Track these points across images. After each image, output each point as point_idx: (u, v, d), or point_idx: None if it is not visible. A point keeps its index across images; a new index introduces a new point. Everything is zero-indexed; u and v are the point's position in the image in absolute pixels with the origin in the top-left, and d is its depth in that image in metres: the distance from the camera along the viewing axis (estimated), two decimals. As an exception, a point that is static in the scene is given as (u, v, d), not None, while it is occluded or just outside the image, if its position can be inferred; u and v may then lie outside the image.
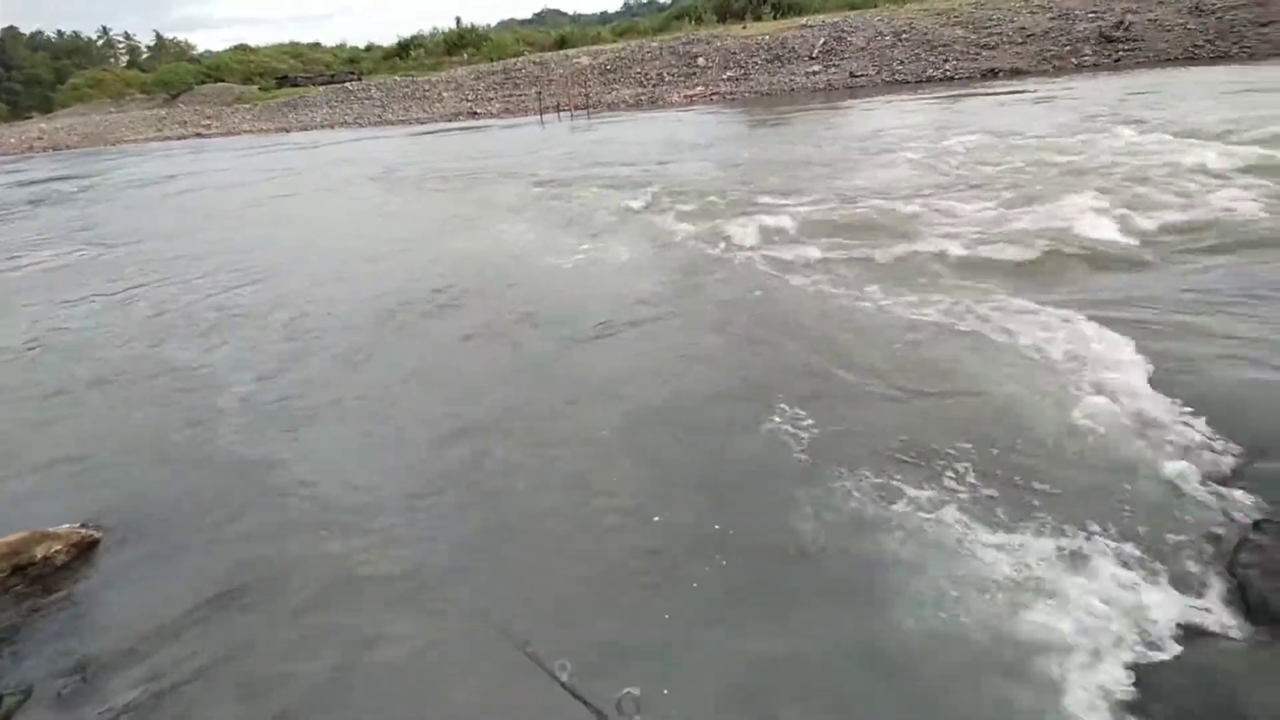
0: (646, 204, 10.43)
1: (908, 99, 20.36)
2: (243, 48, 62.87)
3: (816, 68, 27.49)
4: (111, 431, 5.15)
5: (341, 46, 61.30)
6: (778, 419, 4.32)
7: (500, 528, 3.68)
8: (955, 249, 6.91)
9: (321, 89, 43.20)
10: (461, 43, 47.43)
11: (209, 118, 43.48)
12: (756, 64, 29.13)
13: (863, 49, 27.73)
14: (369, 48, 59.74)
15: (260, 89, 49.61)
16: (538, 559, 3.45)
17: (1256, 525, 2.98)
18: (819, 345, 5.28)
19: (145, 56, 64.44)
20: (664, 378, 5.07)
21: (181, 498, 4.23)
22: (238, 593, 3.41)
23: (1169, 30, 22.91)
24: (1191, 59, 21.26)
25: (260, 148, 28.18)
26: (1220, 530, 3.08)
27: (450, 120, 31.10)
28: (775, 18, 34.87)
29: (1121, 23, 23.61)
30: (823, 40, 28.77)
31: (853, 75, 26.12)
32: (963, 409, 4.24)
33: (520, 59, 38.47)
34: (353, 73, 48.71)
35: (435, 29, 51.81)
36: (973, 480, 3.58)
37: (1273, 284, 5.44)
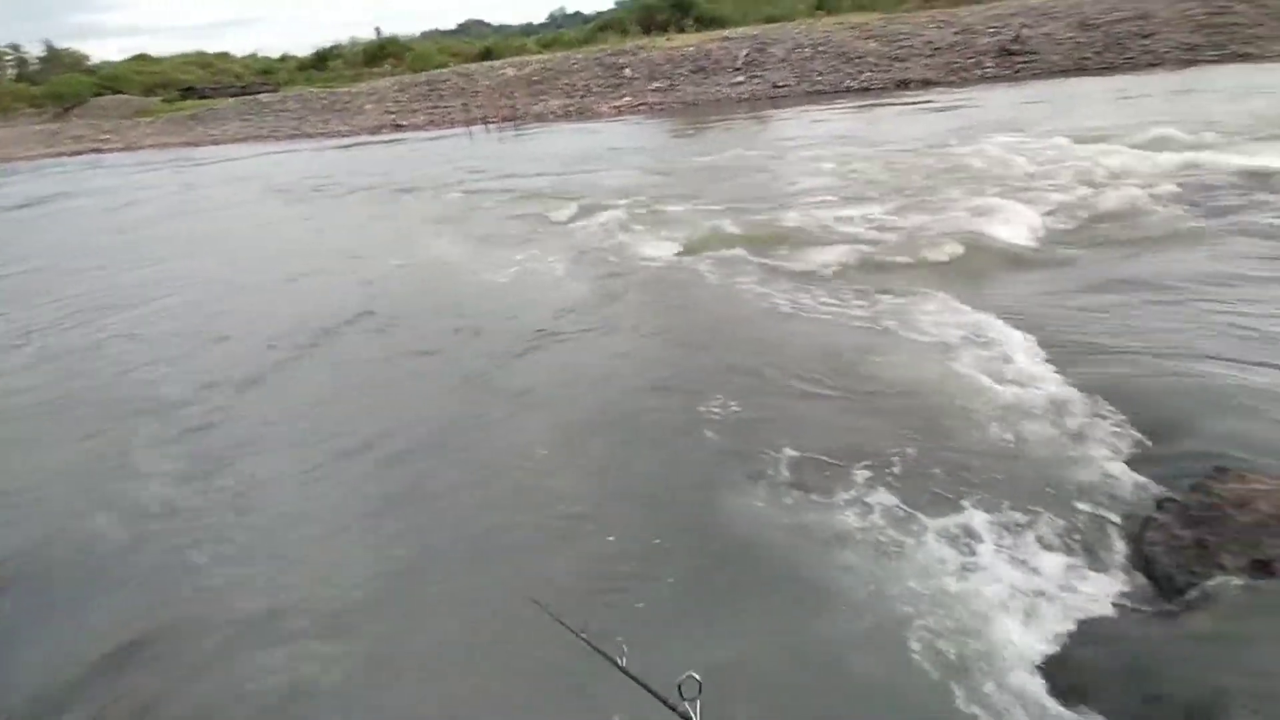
0: (576, 215, 10.41)
1: (827, 108, 21.06)
2: (143, 57, 59.45)
3: (740, 79, 28.12)
4: (4, 473, 4.75)
5: (253, 57, 58.69)
6: (711, 422, 4.37)
7: (434, 553, 3.57)
8: (872, 252, 7.18)
9: (232, 101, 41.32)
10: (383, 54, 46.33)
11: (107, 132, 40.91)
12: (682, 75, 29.56)
13: (783, 60, 28.54)
14: (283, 58, 57.52)
15: (163, 101, 47.04)
16: (472, 581, 3.35)
17: (1159, 504, 3.18)
18: (747, 348, 5.37)
19: (35, 68, 60.05)
20: (597, 387, 5.05)
21: (85, 541, 3.94)
22: (144, 643, 3.17)
23: (1061, 44, 24.50)
24: (1082, 70, 22.78)
25: (164, 163, 26.72)
26: (1128, 510, 3.27)
27: (373, 133, 30.27)
28: (698, 30, 35.49)
29: (1018, 37, 25.10)
30: (745, 52, 29.45)
31: (775, 86, 26.84)
32: (883, 404, 4.40)
33: (445, 70, 37.84)
34: (266, 84, 46.81)
35: (354, 39, 50.45)
36: (894, 472, 3.70)
37: (1164, 275, 5.86)
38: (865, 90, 24.82)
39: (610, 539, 3.50)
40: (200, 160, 26.53)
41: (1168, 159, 9.38)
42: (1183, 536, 2.92)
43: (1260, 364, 4.23)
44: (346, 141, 28.15)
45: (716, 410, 4.48)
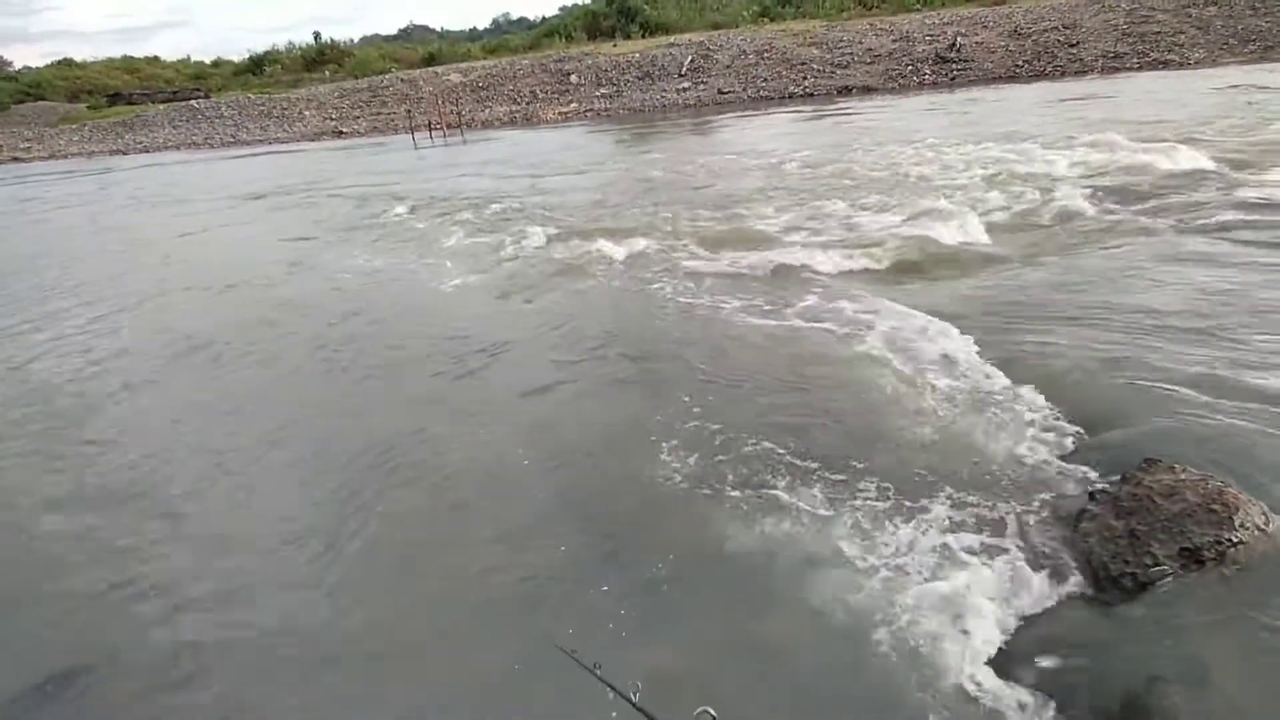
0: (524, 224, 10.25)
1: (772, 114, 21.38)
2: (67, 63, 56.68)
3: (686, 85, 28.35)
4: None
5: (185, 61, 56.37)
6: (660, 428, 4.31)
7: (378, 575, 3.41)
8: (817, 255, 7.23)
9: (163, 107, 39.69)
10: (322, 59, 45.16)
11: (29, 140, 38.88)
12: (629, 81, 29.65)
13: (728, 67, 28.90)
14: (217, 63, 55.54)
15: (89, 107, 44.93)
16: (422, 601, 3.22)
17: (1092, 495, 3.24)
18: (694, 354, 5.34)
19: (-51, 75, 56.56)
20: (547, 397, 4.95)
21: (7, 569, 3.66)
22: (72, 675, 2.96)
23: (994, 52, 25.45)
24: (1014, 77, 23.70)
25: (88, 172, 25.45)
26: (1064, 502, 3.34)
27: (314, 140, 29.49)
28: (643, 36, 35.69)
29: (953, 45, 25.98)
30: (690, 58, 29.72)
31: (721, 92, 27.14)
32: (825, 404, 4.42)
33: (387, 76, 37.14)
34: (199, 89, 45.11)
35: (292, 44, 48.95)
36: (836, 472, 3.71)
37: (1097, 272, 6.06)
38: (809, 96, 25.31)
39: (561, 549, 3.41)
40: (130, 167, 25.35)
41: (1095, 161, 9.77)
42: (1115, 527, 2.98)
43: (1186, 359, 4.38)
44: (287, 148, 27.32)
45: (664, 417, 4.43)
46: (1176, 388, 4.04)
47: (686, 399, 4.63)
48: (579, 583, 3.21)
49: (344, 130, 30.51)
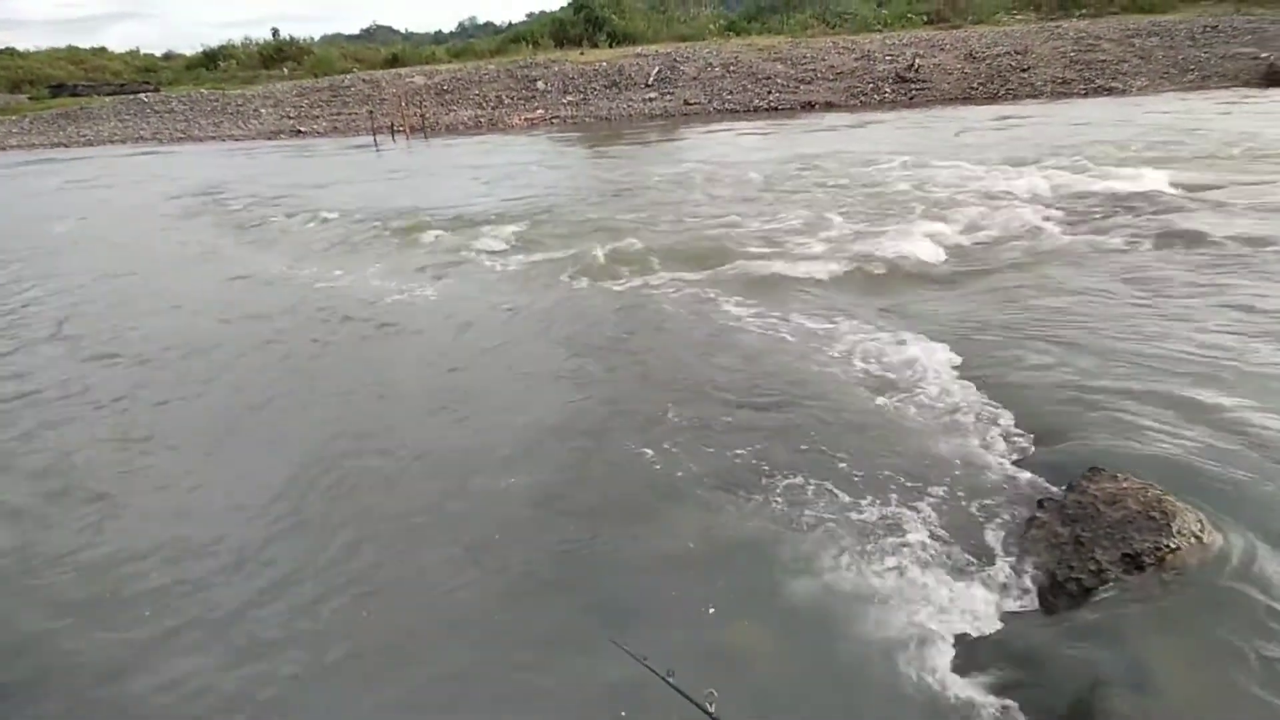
0: (493, 230, 10.15)
1: (737, 127, 21.66)
2: (9, 51, 54.21)
3: (653, 95, 28.52)
4: None
5: (134, 54, 54.28)
6: (637, 434, 4.33)
7: (344, 589, 3.33)
8: (782, 266, 7.32)
9: (109, 99, 38.23)
10: (280, 56, 44.06)
11: (-37, 129, 37.00)
12: (596, 90, 29.70)
13: (695, 78, 29.18)
14: (168, 56, 53.74)
15: (31, 98, 43.05)
16: (394, 614, 3.15)
17: (1041, 504, 3.34)
18: (668, 363, 5.37)
19: (-120, 62, 53.46)
20: (525, 404, 4.92)
21: None
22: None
23: (950, 73, 26.23)
24: (969, 98, 24.45)
25: (26, 165, 24.38)
26: (1016, 509, 3.44)
27: (270, 138, 28.76)
28: (611, 46, 35.82)
29: (912, 65, 26.70)
30: (657, 69, 29.93)
31: (686, 103, 27.38)
32: (790, 413, 4.48)
33: (349, 76, 36.47)
34: (149, 83, 43.59)
35: (249, 40, 47.61)
36: (799, 478, 3.77)
37: (1048, 289, 6.27)
38: (774, 110, 25.71)
39: (531, 556, 3.37)
40: (72, 159, 24.34)
41: (1047, 182, 10.13)
42: (1062, 534, 3.08)
43: (1130, 373, 4.56)
44: (242, 146, 26.63)
45: (641, 425, 4.46)
46: (1121, 399, 4.20)
47: (651, 406, 4.66)
48: (549, 585, 3.18)
49: (303, 129, 29.85)
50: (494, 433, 4.52)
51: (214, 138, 30.09)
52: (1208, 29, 25.99)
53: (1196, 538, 2.91)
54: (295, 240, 10.51)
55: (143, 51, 51.18)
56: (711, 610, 3.01)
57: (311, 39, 48.02)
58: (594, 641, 2.88)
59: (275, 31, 47.04)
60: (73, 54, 51.14)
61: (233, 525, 3.78)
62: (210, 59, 45.88)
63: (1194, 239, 7.26)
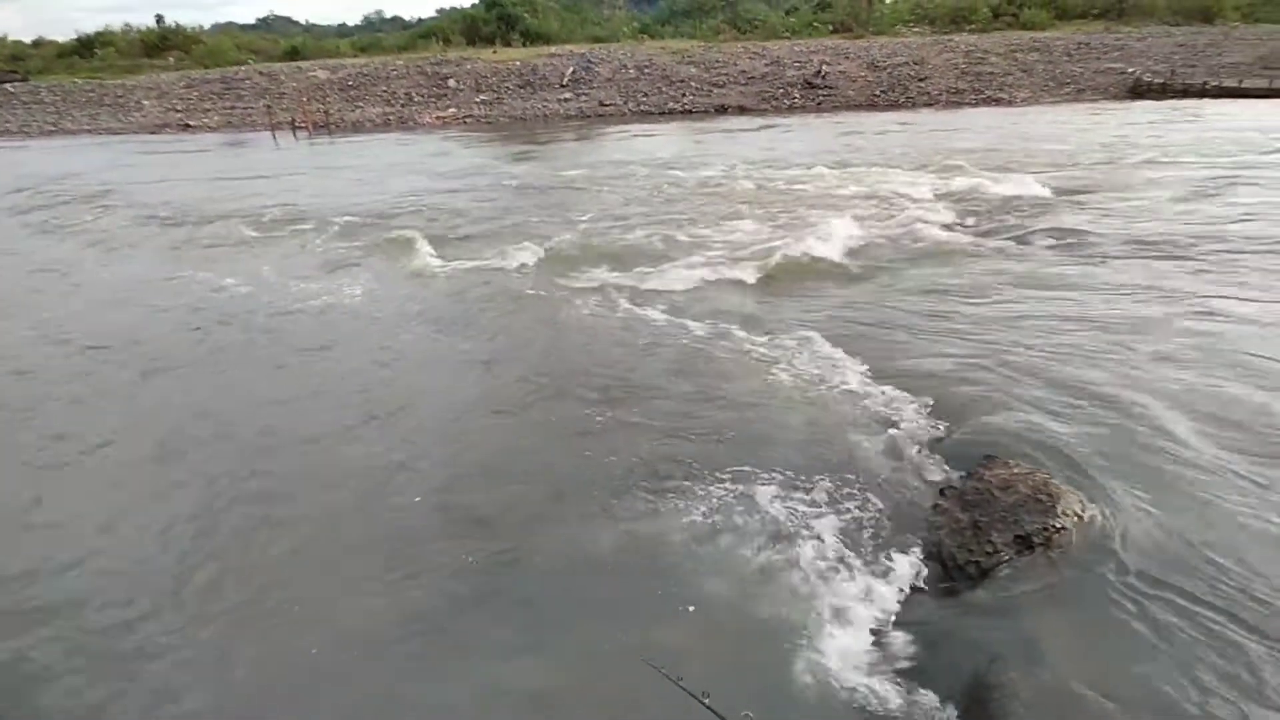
0: (401, 232, 9.80)
1: (651, 128, 21.85)
2: None
3: (568, 95, 28.37)
4: None
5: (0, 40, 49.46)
6: (546, 438, 4.27)
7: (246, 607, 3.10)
8: (696, 268, 7.39)
9: (-33, 89, 34.65)
10: (165, 44, 41.04)
11: None
12: (509, 89, 29.26)
13: (610, 80, 29.23)
14: (38, 43, 49.14)
15: (-128, 85, 38.37)
16: (312, 629, 2.96)
17: (942, 491, 3.50)
18: (575, 365, 5.33)
19: None
20: (441, 409, 4.77)
21: None
22: None
23: (855, 81, 27.38)
24: (873, 105, 25.61)
25: None
26: (921, 496, 3.59)
27: (154, 132, 26.80)
28: (524, 45, 35.38)
29: (819, 72, 27.70)
30: (572, 69, 29.80)
31: (602, 104, 27.38)
32: (709, 413, 4.53)
33: (244, 68, 34.45)
34: (15, 72, 39.74)
35: (130, 26, 44.03)
36: (715, 474, 3.82)
37: (946, 286, 6.59)
38: (688, 113, 26.08)
39: (453, 561, 3.25)
40: (-80, 156, 21.87)
41: (944, 185, 10.71)
42: (961, 519, 3.24)
43: (1021, 364, 4.85)
44: (122, 140, 24.69)
45: (559, 428, 4.41)
46: (1013, 388, 4.47)
47: (561, 409, 4.62)
48: (467, 599, 3.08)
49: (192, 124, 27.96)
50: (402, 443, 4.35)
51: (89, 130, 27.77)
52: (1081, 45, 28.25)
53: (1079, 516, 3.12)
54: (173, 241, 9.82)
55: (9, 38, 46.39)
56: (625, 608, 3.01)
57: (201, 27, 45.00)
58: (508, 649, 2.81)
59: (159, 18, 43.47)
60: (-79, 37, 45.95)
61: (134, 549, 3.48)
62: (86, 46, 42.19)
63: (1072, 236, 7.84)
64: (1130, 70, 25.22)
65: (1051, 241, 7.77)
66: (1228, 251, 6.99)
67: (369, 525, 3.63)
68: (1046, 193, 9.95)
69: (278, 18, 67.57)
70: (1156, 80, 23.77)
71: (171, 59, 38.84)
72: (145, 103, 30.42)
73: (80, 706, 2.71)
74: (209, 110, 29.48)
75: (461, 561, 3.35)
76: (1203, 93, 22.42)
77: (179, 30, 42.03)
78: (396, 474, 4.04)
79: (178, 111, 29.46)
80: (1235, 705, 2.37)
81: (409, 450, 4.26)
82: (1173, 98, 22.40)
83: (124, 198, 13.24)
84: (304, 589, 3.24)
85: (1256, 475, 3.44)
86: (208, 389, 5.24)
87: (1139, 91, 23.65)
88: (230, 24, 58.94)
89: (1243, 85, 22.23)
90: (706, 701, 1.70)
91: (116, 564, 3.43)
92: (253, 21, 66.89)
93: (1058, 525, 3.05)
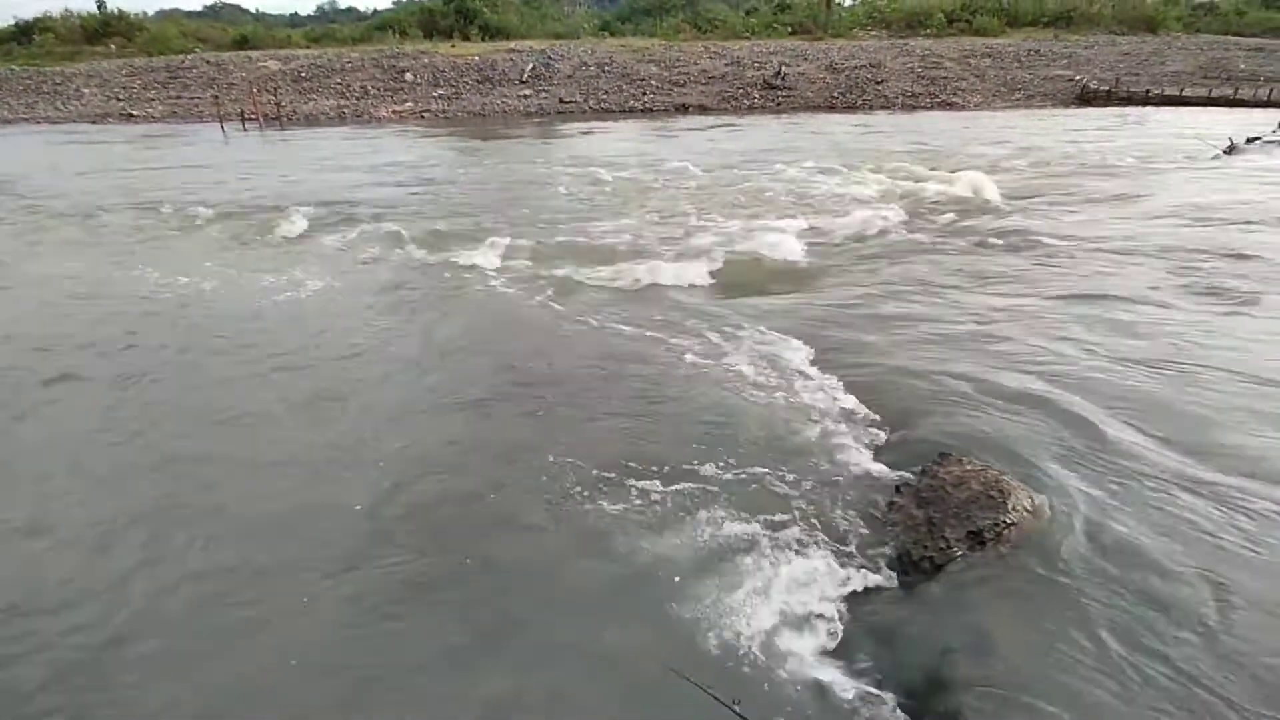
0: (355, 226, 9.57)
1: (611, 126, 21.79)
2: None
3: (527, 92, 28.10)
4: None
5: (-73, 24, 46.70)
6: (503, 437, 4.19)
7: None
8: (651, 268, 7.31)
9: (-108, 74, 32.71)
10: (107, 30, 39.35)
11: None
12: (468, 84, 28.86)
13: (570, 77, 29.05)
14: (-31, 27, 46.63)
15: None
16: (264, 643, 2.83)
17: (898, 488, 3.53)
18: (541, 363, 5.25)
19: None
20: (391, 410, 4.62)
21: None
22: None
23: (814, 82, 27.75)
24: (831, 107, 26.01)
25: None
26: (877, 494, 3.61)
27: (95, 121, 25.72)
28: (483, 39, 34.94)
29: (779, 73, 27.99)
30: (532, 65, 29.53)
31: (562, 101, 27.20)
32: (656, 410, 4.51)
33: (190, 56, 33.27)
34: (-56, 56, 37.63)
35: (69, 12, 42.08)
36: (679, 478, 3.77)
37: (901, 286, 6.68)
38: (649, 111, 26.09)
39: (408, 569, 3.15)
40: None
41: (898, 186, 10.90)
42: (916, 515, 3.27)
43: (973, 362, 4.94)
44: (61, 130, 23.64)
45: (512, 430, 4.33)
46: (966, 386, 4.54)
47: (516, 406, 4.54)
48: (412, 608, 2.99)
49: (135, 113, 26.90)
50: (357, 444, 4.22)
51: (26, 119, 26.51)
52: (1031, 53, 29.14)
53: (1028, 512, 3.17)
54: (122, 238, 9.41)
55: (-62, 21, 43.86)
56: (582, 608, 2.97)
57: (145, 14, 43.17)
58: (460, 651, 2.74)
59: (101, 4, 41.64)
60: None
61: (82, 556, 3.29)
62: (23, 32, 40.11)
63: (1020, 236, 8.05)
64: (1078, 77, 26.09)
65: (997, 241, 7.98)
66: (1166, 252, 7.25)
67: (312, 534, 3.49)
68: (993, 194, 10.20)
69: (226, 5, 65.45)
70: (1102, 88, 24.66)
71: (113, 46, 37.25)
72: (85, 91, 29.17)
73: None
74: (153, 99, 28.42)
75: (417, 561, 3.25)
76: (1146, 100, 23.33)
77: (122, 16, 40.27)
78: (342, 473, 3.90)
79: (120, 100, 28.32)
80: (1174, 690, 2.43)
81: (351, 453, 4.13)
82: (1118, 104, 23.26)
83: (32, 189, 12.63)
84: (254, 595, 3.11)
85: (1192, 469, 3.56)
86: (124, 395, 5.00)
87: (1086, 98, 24.50)
88: (176, 11, 56.63)
89: (1183, 93, 23.21)
90: (737, 709, 1.67)
91: (50, 573, 3.24)
92: (200, 9, 64.59)
93: (1008, 521, 3.10)
